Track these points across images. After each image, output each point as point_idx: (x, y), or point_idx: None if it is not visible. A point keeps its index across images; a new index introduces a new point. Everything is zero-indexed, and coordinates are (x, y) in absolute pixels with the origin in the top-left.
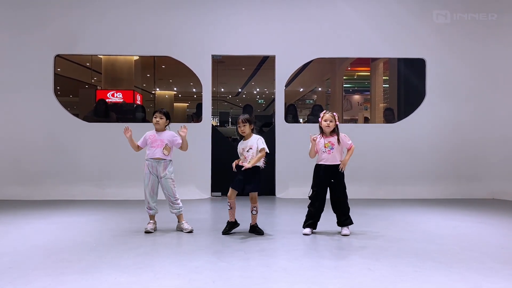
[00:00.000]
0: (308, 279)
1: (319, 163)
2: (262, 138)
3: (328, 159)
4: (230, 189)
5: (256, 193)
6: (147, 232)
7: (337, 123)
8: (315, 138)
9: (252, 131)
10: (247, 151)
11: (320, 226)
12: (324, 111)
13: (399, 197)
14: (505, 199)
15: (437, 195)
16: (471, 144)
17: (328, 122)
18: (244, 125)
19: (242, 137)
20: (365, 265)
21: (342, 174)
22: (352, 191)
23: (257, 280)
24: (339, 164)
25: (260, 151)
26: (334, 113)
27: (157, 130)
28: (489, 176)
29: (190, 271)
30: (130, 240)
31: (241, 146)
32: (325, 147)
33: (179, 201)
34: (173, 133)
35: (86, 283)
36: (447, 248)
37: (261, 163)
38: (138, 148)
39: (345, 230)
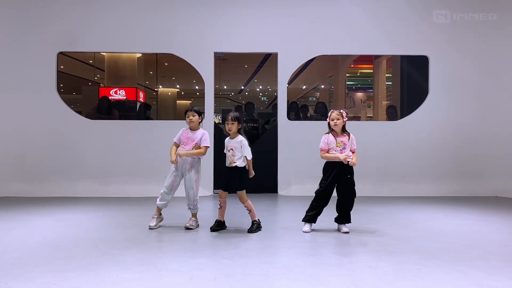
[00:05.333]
0: (310, 276)
1: (332, 161)
2: (247, 142)
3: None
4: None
5: (242, 191)
6: (150, 228)
7: (345, 119)
8: (345, 160)
9: (239, 131)
10: (228, 151)
11: (321, 223)
12: (332, 110)
13: (402, 194)
14: (508, 196)
15: (440, 192)
16: (474, 142)
17: (335, 120)
18: (233, 123)
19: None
20: (367, 262)
21: (353, 172)
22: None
23: (259, 277)
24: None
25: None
26: (342, 110)
27: (191, 128)
28: (493, 174)
29: (192, 268)
30: (132, 237)
31: (226, 143)
32: (337, 146)
33: (196, 202)
34: (205, 133)
35: (89, 280)
36: (450, 246)
37: (242, 163)
38: (178, 147)
39: (344, 228)
